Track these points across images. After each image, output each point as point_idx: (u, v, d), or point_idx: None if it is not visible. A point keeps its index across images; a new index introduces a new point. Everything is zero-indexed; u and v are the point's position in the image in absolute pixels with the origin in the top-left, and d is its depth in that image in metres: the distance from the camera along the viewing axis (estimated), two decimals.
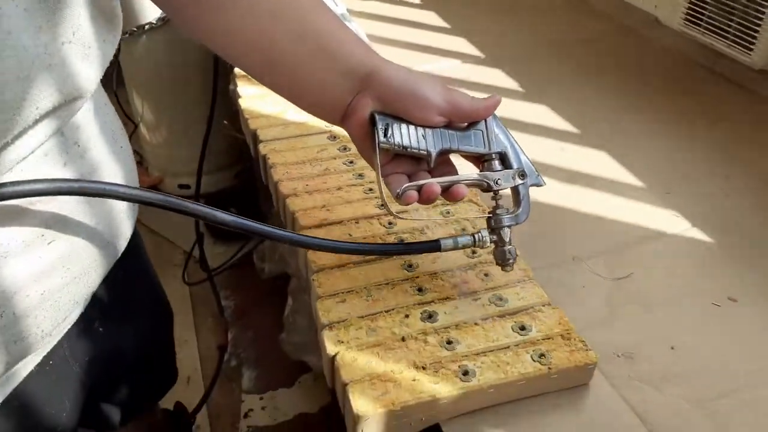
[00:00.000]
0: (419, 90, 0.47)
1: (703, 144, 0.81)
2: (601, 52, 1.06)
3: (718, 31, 0.93)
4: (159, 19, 1.30)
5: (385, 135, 0.47)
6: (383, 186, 0.49)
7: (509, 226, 0.51)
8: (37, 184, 0.39)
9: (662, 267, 0.62)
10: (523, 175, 0.50)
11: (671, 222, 0.68)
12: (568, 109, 0.88)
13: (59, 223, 0.45)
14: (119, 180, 0.53)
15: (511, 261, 0.51)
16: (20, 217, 0.42)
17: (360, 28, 1.01)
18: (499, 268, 0.53)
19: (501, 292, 0.54)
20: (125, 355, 0.69)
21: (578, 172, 0.76)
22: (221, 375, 1.33)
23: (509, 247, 0.51)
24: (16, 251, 0.42)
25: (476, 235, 0.51)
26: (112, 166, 0.51)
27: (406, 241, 0.59)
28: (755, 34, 0.87)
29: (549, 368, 0.47)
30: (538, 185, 0.51)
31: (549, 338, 0.50)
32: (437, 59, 1.03)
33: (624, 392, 0.50)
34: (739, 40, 0.90)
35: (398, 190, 0.48)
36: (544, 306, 0.53)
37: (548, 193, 0.68)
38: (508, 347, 0.49)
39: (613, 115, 0.88)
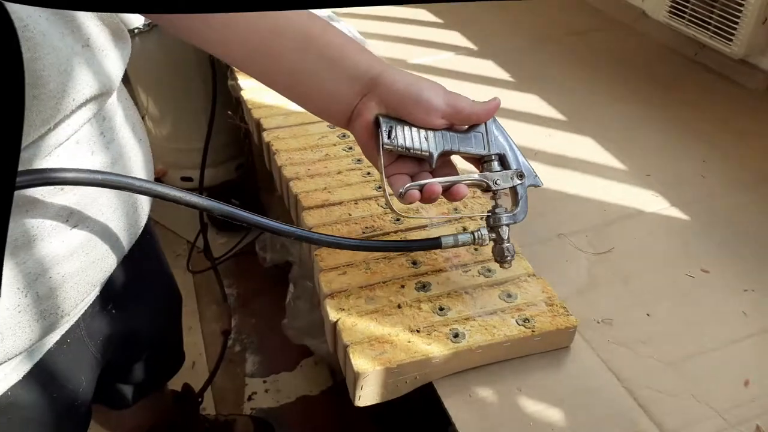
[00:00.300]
0: (422, 94, 0.49)
1: (683, 129, 0.85)
2: (589, 43, 1.09)
3: (701, 22, 0.97)
4: (145, 24, 1.28)
5: (389, 137, 0.49)
6: (387, 186, 0.51)
7: (508, 225, 0.52)
8: (81, 173, 0.40)
9: (641, 242, 0.67)
10: (521, 175, 0.52)
11: (650, 201, 0.72)
12: (556, 97, 0.92)
13: (82, 210, 0.48)
14: (139, 168, 0.56)
15: (509, 258, 0.53)
16: (50, 203, 0.45)
17: (350, 26, 1.03)
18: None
19: (489, 264, 0.58)
20: (137, 336, 0.72)
21: (564, 156, 0.80)
22: (225, 360, 1.37)
23: (507, 244, 0.53)
24: (42, 235, 0.45)
25: (476, 233, 0.53)
26: (133, 156, 0.55)
27: (405, 228, 0.62)
28: (735, 26, 0.91)
29: (533, 331, 0.52)
30: (536, 186, 0.53)
31: (533, 305, 0.54)
32: (431, 52, 1.06)
33: (602, 354, 0.54)
34: (720, 31, 0.94)
35: (401, 190, 0.49)
36: (529, 277, 0.57)
37: None
38: (495, 313, 0.53)
39: (599, 104, 0.92)
